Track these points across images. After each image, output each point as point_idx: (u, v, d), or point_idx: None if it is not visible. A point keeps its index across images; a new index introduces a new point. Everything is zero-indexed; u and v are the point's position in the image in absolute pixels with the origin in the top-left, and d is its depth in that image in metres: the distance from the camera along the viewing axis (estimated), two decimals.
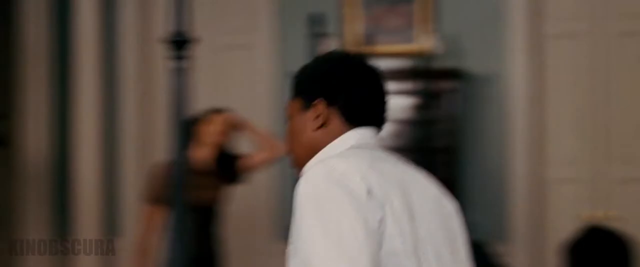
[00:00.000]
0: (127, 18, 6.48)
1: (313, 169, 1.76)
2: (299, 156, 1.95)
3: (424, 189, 1.87)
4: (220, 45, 6.33)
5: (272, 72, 6.29)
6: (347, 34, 6.02)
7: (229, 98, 6.46)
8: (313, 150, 1.92)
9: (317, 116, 1.92)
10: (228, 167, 4.60)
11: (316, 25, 4.99)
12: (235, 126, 4.64)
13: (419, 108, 5.52)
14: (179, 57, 2.76)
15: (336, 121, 1.91)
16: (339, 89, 1.91)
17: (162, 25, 6.56)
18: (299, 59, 5.49)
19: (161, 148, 6.04)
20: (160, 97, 6.26)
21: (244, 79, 6.41)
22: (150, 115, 6.47)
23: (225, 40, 6.38)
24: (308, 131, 1.93)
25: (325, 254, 1.65)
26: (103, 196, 6.34)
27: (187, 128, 4.52)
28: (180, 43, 2.74)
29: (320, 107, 1.91)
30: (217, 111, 4.63)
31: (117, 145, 6.47)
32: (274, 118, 6.16)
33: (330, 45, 5.44)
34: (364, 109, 1.92)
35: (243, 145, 4.84)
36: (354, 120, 1.91)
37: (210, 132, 4.54)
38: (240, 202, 5.37)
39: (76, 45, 6.33)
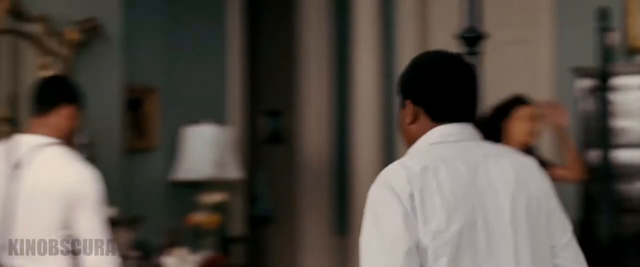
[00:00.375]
0: (404, 16, 6.52)
1: (386, 168, 2.14)
2: (406, 143, 2.26)
3: (482, 183, 2.10)
4: (500, 40, 6.21)
5: (553, 67, 6.12)
6: (630, 28, 5.75)
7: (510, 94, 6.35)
8: (410, 140, 2.23)
9: (409, 113, 2.20)
10: None
11: (603, 19, 4.79)
12: (542, 123, 4.49)
13: None
14: (471, 53, 2.74)
15: (423, 119, 2.18)
16: (420, 92, 2.18)
17: (439, 22, 6.57)
18: (583, 54, 5.34)
19: None
20: None
21: (525, 74, 6.27)
22: None
23: (506, 35, 6.27)
24: (405, 125, 2.24)
25: (369, 242, 2.03)
26: None
27: (491, 123, 4.47)
28: (472, 39, 2.71)
29: (410, 106, 2.20)
30: (522, 102, 4.49)
31: (395, 143, 6.53)
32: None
33: (615, 38, 5.23)
34: (446, 107, 2.16)
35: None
36: (438, 118, 2.17)
37: (517, 131, 4.41)
38: None
39: (354, 43, 6.46)
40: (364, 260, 2.04)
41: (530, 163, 2.23)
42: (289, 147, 7.20)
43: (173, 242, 5.74)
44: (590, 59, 5.05)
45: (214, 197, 5.94)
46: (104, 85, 5.41)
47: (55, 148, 3.28)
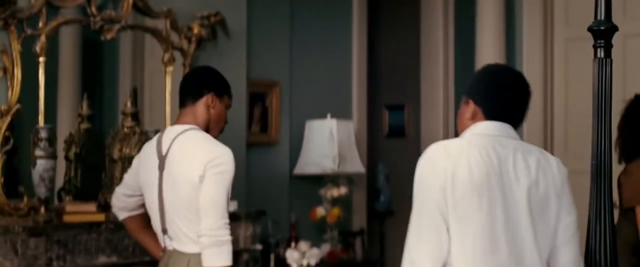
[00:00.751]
0: (529, 10, 6.38)
1: (433, 145, 2.69)
2: (460, 133, 2.76)
3: (507, 169, 2.58)
4: (626, 32, 6.00)
5: None
6: None
7: (637, 88, 6.13)
8: (464, 132, 2.73)
9: (469, 110, 2.73)
10: None
11: None
12: None
13: None
14: (602, 46, 2.64)
15: (480, 116, 2.70)
16: (483, 96, 2.71)
17: (563, 15, 6.40)
18: None
19: None
20: None
21: None
22: None
23: (632, 27, 6.06)
24: (464, 119, 2.75)
25: (415, 199, 2.65)
26: None
27: (629, 129, 4.35)
28: (604, 32, 2.61)
29: (472, 105, 2.72)
30: None
31: None
32: None
33: None
34: (499, 111, 2.68)
35: None
36: (491, 118, 2.68)
37: None
38: None
39: (477, 37, 6.35)
40: (413, 211, 2.63)
41: (553, 163, 2.68)
42: (410, 141, 7.15)
43: (295, 236, 5.77)
44: None
45: (336, 192, 5.94)
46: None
47: (190, 132, 3.43)
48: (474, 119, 2.71)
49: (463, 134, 2.72)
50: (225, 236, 3.25)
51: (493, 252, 2.53)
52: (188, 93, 3.51)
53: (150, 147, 3.54)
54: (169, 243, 3.42)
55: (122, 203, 3.70)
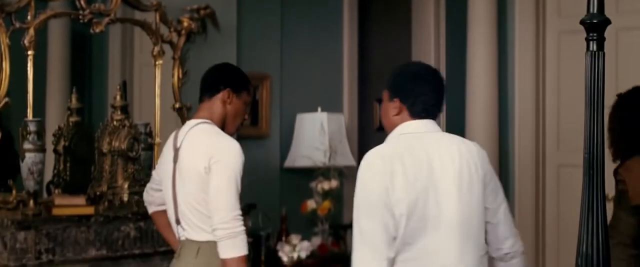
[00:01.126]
0: (520, 8, 6.38)
1: (369, 152, 2.97)
2: (386, 128, 3.11)
3: (435, 162, 2.93)
4: (619, 26, 6.01)
5: None
6: None
7: (630, 82, 6.14)
8: (390, 128, 3.08)
9: (395, 107, 3.04)
10: None
11: None
12: None
13: None
14: (595, 40, 2.62)
15: (405, 113, 3.03)
16: (406, 94, 3.03)
17: (555, 7, 6.39)
18: None
19: None
20: None
21: None
22: None
23: (624, 20, 6.06)
24: (390, 116, 3.07)
25: (358, 197, 2.90)
26: None
27: (622, 119, 4.33)
28: (597, 25, 2.60)
29: (397, 102, 3.04)
30: None
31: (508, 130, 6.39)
32: None
33: None
34: (422, 107, 3.02)
35: None
36: (414, 114, 3.03)
37: None
38: None
39: (466, 31, 6.35)
40: (358, 213, 2.89)
41: (474, 149, 3.04)
42: None
43: (286, 229, 5.76)
44: None
45: (327, 185, 5.93)
46: None
47: (201, 126, 3.58)
48: (399, 115, 3.04)
49: (392, 134, 3.05)
50: (238, 227, 3.36)
51: (432, 237, 2.89)
52: (205, 88, 3.66)
53: (169, 140, 3.69)
54: (182, 233, 3.54)
55: (150, 197, 3.85)
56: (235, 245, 3.35)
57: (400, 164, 2.88)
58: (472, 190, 2.97)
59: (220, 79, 3.66)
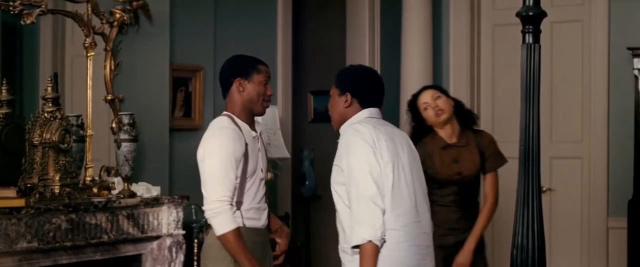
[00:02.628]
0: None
1: (347, 130, 3.52)
2: (335, 122, 3.66)
3: (403, 140, 3.61)
4: (553, 20, 6.11)
5: (607, 47, 5.99)
6: None
7: (564, 74, 6.25)
8: (341, 120, 3.62)
9: (346, 101, 3.59)
10: None
11: None
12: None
13: None
14: (531, 32, 2.65)
15: (355, 104, 3.58)
16: (356, 89, 3.59)
17: (489, 2, 6.44)
18: None
19: None
20: None
21: (579, 54, 6.15)
22: None
23: (559, 14, 6.15)
24: (340, 108, 3.61)
25: (360, 172, 3.38)
26: None
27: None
28: (532, 18, 2.62)
29: (348, 96, 3.58)
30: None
31: None
32: (615, 93, 5.88)
33: None
34: (370, 99, 3.60)
35: None
36: (364, 105, 3.58)
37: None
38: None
39: (403, 23, 6.37)
40: (357, 175, 3.38)
41: (407, 137, 3.72)
42: None
43: None
44: None
45: None
46: (150, 65, 5.37)
47: (214, 120, 3.93)
48: (350, 106, 3.57)
49: (351, 121, 3.55)
50: (214, 209, 3.74)
51: (401, 207, 3.45)
52: (222, 87, 3.95)
53: None
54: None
55: None
56: (215, 225, 3.75)
57: (382, 134, 3.46)
58: (417, 170, 3.62)
59: (227, 73, 3.93)
